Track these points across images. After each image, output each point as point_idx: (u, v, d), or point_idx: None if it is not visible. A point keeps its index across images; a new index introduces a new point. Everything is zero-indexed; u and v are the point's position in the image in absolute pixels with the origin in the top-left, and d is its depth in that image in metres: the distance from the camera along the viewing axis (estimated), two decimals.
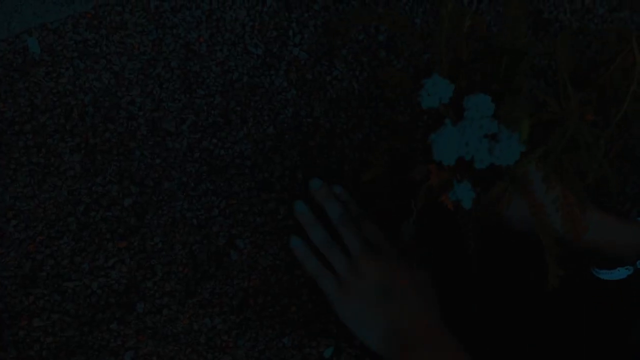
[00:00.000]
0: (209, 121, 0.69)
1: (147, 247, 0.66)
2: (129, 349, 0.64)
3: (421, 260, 0.62)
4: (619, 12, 0.76)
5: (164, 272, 0.66)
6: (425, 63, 0.73)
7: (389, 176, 0.68)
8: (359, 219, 0.63)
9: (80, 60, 0.69)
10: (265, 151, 0.69)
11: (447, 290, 0.62)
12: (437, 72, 0.43)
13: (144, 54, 0.70)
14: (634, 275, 0.55)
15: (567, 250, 0.53)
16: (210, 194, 0.68)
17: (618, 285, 0.57)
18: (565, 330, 0.63)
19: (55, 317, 0.64)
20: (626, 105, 0.41)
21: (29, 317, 0.64)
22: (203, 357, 0.64)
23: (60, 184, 0.67)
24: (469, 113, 0.41)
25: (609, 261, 0.55)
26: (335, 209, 0.63)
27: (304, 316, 0.66)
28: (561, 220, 0.44)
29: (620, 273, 0.55)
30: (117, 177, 0.67)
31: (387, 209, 0.68)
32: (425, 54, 0.73)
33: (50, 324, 0.64)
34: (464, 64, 0.48)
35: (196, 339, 0.65)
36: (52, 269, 0.65)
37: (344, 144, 0.70)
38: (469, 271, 0.57)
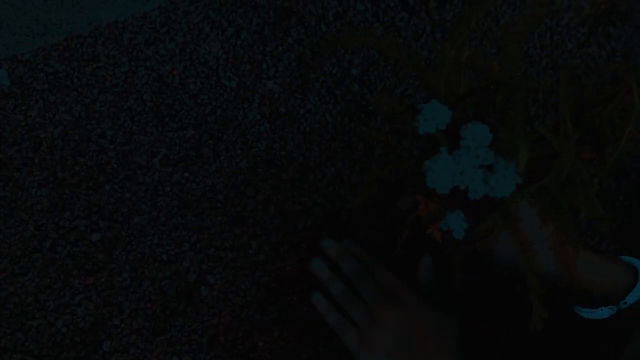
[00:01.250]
0: (181, 154, 0.69)
1: (114, 284, 0.65)
2: None
3: (446, 303, 0.60)
4: (587, 47, 0.78)
5: (132, 309, 0.64)
6: (398, 97, 0.73)
7: (376, 206, 0.68)
8: (374, 269, 0.62)
9: (51, 92, 0.68)
10: (237, 185, 0.69)
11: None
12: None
13: (116, 86, 0.69)
14: (616, 315, 0.55)
15: (549, 287, 0.53)
16: (181, 228, 0.67)
17: (600, 324, 0.56)
18: None
19: (18, 357, 0.62)
20: (622, 145, 0.41)
21: None
22: None
23: (27, 219, 0.65)
24: (465, 142, 0.41)
25: (593, 300, 0.55)
26: (348, 264, 0.63)
27: (275, 353, 0.65)
28: (554, 259, 0.43)
29: (603, 312, 0.55)
30: (86, 212, 0.66)
31: (374, 240, 0.68)
32: (398, 87, 0.73)
33: None
34: (460, 96, 0.47)
35: None
36: (15, 307, 0.63)
37: (317, 177, 0.70)
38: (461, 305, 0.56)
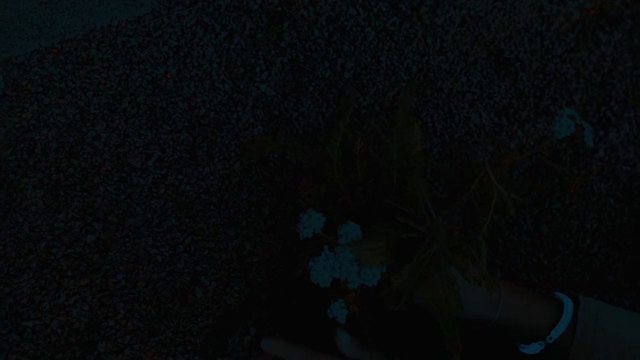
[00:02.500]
0: (175, 157, 0.69)
1: (109, 285, 0.65)
2: None
3: None
4: (576, 52, 0.79)
5: (127, 310, 0.65)
6: (390, 101, 0.74)
7: None
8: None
9: (45, 95, 0.69)
10: (231, 187, 0.69)
11: None
12: (328, 194, 0.50)
13: (110, 89, 0.70)
14: (546, 350, 0.57)
15: (489, 327, 0.57)
16: (175, 230, 0.68)
17: (537, 358, 0.59)
18: None
19: (13, 358, 0.63)
20: (490, 215, 0.48)
21: None
22: None
23: (22, 220, 0.66)
24: (340, 240, 0.47)
25: (524, 336, 0.58)
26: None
27: None
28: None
29: (535, 348, 0.58)
30: (80, 214, 0.67)
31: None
32: (390, 91, 0.74)
33: None
34: (359, 182, 0.54)
35: None
36: (10, 308, 0.64)
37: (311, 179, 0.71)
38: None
